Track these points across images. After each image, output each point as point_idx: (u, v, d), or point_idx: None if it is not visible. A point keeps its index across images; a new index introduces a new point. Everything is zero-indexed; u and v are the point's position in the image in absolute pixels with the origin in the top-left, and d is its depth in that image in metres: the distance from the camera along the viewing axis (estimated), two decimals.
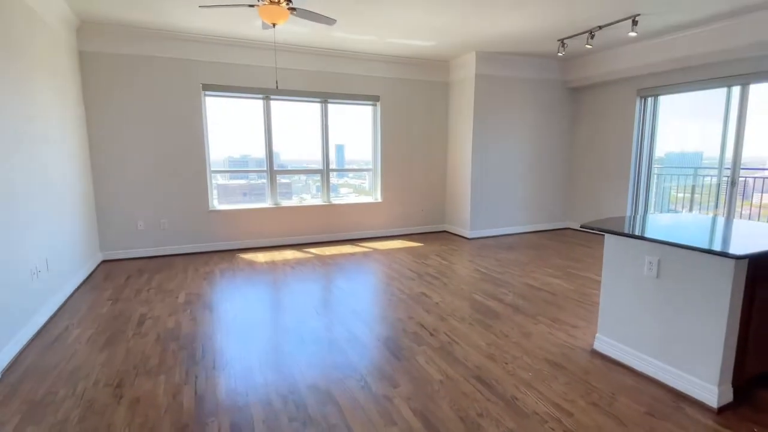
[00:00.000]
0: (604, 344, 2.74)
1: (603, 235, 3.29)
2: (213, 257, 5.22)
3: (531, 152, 6.66)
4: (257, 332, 3.06)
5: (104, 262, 5.00)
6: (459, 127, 6.46)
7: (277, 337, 2.99)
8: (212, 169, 5.54)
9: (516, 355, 2.72)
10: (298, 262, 5.00)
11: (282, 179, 6.00)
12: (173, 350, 2.79)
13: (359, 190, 6.62)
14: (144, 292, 3.93)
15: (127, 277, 4.41)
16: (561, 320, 3.27)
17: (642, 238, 2.37)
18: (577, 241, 6.19)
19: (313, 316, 3.36)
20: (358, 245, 5.91)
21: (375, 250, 5.65)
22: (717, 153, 5.20)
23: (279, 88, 5.59)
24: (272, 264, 4.92)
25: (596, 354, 2.74)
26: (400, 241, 6.22)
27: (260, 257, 5.23)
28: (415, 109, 6.47)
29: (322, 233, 6.11)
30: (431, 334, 3.01)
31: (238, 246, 5.63)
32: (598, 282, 4.21)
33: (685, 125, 5.85)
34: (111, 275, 4.49)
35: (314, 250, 5.60)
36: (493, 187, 6.43)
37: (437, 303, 3.63)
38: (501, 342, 2.90)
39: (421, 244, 5.97)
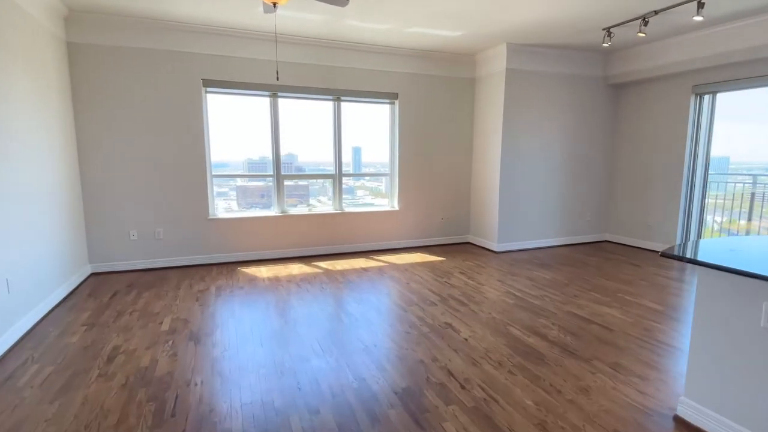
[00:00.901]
0: (691, 411, 2.07)
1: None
2: (211, 271, 4.71)
3: (566, 156, 5.97)
4: (246, 377, 2.49)
5: (93, 275, 4.54)
6: (486, 128, 5.82)
7: (269, 384, 2.41)
8: (213, 173, 5.03)
9: (576, 422, 2.07)
10: (305, 279, 4.43)
11: (289, 184, 5.45)
12: (140, 401, 2.24)
13: (376, 193, 6.03)
14: (126, 316, 3.42)
15: (112, 294, 3.92)
16: (624, 368, 2.61)
17: (758, 276, 1.71)
18: (621, 256, 5.47)
19: (316, 353, 2.78)
20: (371, 258, 5.32)
21: (391, 264, 5.05)
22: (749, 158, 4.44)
23: (288, 84, 5.06)
24: (275, 280, 4.37)
25: (682, 423, 2.08)
26: (418, 254, 5.60)
27: (263, 272, 4.69)
28: (438, 108, 5.86)
29: (332, 244, 5.54)
30: (462, 387, 2.38)
31: (239, 258, 5.11)
32: (661, 314, 3.51)
33: (736, 126, 5.10)
34: (96, 291, 4.01)
35: (323, 264, 5.03)
36: (523, 195, 5.77)
37: (466, 339, 3.00)
38: (553, 401, 2.26)
39: (443, 259, 5.34)
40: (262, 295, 3.92)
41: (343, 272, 4.69)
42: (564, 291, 4.09)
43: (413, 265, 5.01)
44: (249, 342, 2.94)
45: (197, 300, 3.78)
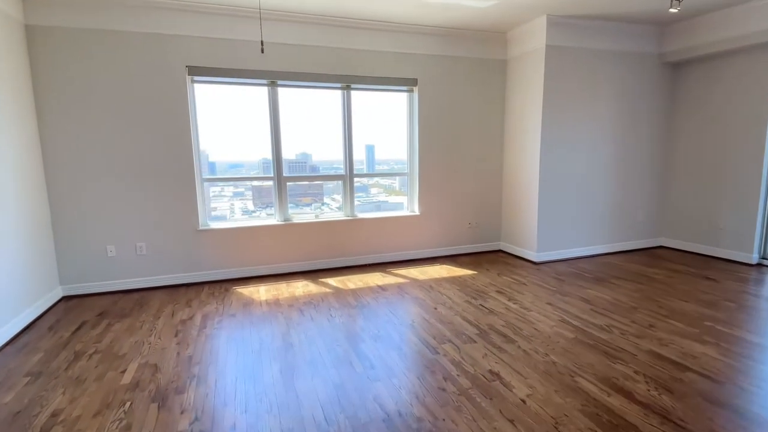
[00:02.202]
0: None
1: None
2: (201, 292, 4.00)
3: (615, 148, 5.08)
4: None
5: (65, 299, 3.87)
6: (521, 118, 4.97)
7: None
8: (204, 177, 4.32)
9: None
10: (310, 301, 3.68)
11: (301, 185, 4.71)
12: None
13: (389, 191, 5.24)
14: (83, 360, 2.72)
15: (78, 327, 3.24)
16: None
17: None
18: (689, 267, 4.57)
19: (318, 426, 2.02)
20: (389, 273, 4.54)
21: (412, 280, 4.27)
22: None
23: (289, 70, 4.30)
24: (274, 305, 3.63)
25: None
26: (443, 266, 4.80)
27: (261, 292, 3.96)
28: (463, 96, 5.03)
29: (343, 256, 4.78)
30: None
31: (235, 275, 4.39)
32: None
33: None
34: (61, 322, 3.33)
35: (333, 281, 4.27)
36: (566, 195, 4.90)
37: (524, 400, 2.20)
38: None
39: (473, 272, 4.53)
40: (256, 326, 3.18)
41: (355, 292, 3.93)
42: (634, 318, 3.24)
43: (439, 282, 4.21)
44: (229, 406, 2.19)
45: (177, 335, 3.06)
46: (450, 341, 2.88)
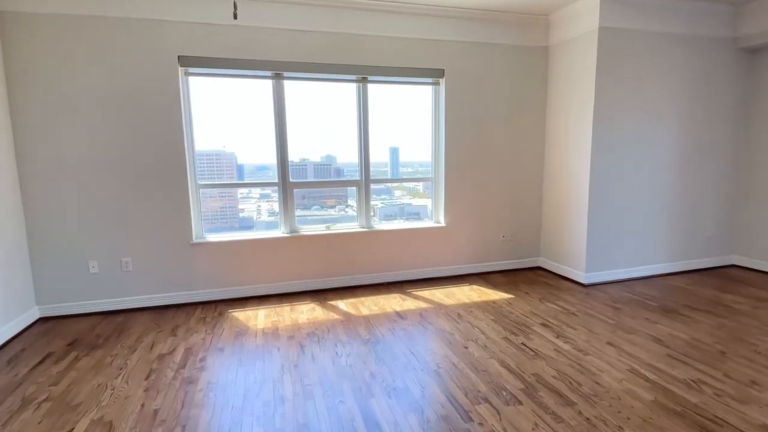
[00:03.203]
0: None
1: None
2: (191, 315, 3.46)
3: (679, 150, 4.28)
4: None
5: (41, 320, 3.42)
6: (567, 114, 4.24)
7: None
8: (200, 182, 3.80)
9: None
10: (314, 332, 3.09)
11: (299, 193, 4.14)
12: None
13: (414, 193, 4.61)
14: (30, 409, 2.20)
15: (41, 360, 2.75)
16: None
17: None
18: None
19: None
20: (409, 294, 3.90)
21: (436, 305, 3.61)
22: None
23: (296, 60, 3.74)
24: (272, 336, 3.05)
25: None
26: (474, 286, 4.12)
27: (259, 317, 3.39)
28: (497, 89, 4.35)
29: (357, 273, 4.17)
30: None
31: (233, 294, 3.84)
32: None
33: None
34: (26, 352, 2.86)
35: (343, 304, 3.66)
36: (621, 205, 4.14)
37: None
38: None
39: (510, 296, 3.83)
40: (244, 367, 2.61)
41: (369, 320, 3.30)
42: (726, 369, 2.48)
43: (469, 308, 3.54)
44: None
45: (149, 377, 2.52)
46: (487, 400, 2.22)
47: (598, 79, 3.86)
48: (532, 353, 2.73)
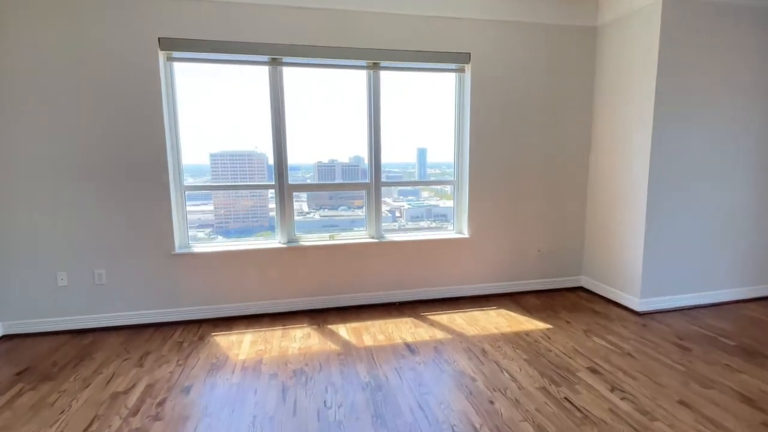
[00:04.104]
0: None
1: None
2: (168, 338, 2.98)
3: (757, 149, 3.48)
4: None
5: (5, 338, 3.02)
6: (620, 106, 3.52)
7: None
8: (185, 183, 3.33)
9: None
10: (305, 367, 2.53)
11: (299, 197, 3.61)
12: None
13: (441, 195, 3.99)
14: None
15: None
16: None
17: None
18: None
19: None
20: (424, 319, 3.29)
21: (456, 335, 2.98)
22: None
23: (296, 43, 3.21)
24: (253, 371, 2.51)
25: None
26: (503, 310, 3.46)
27: (244, 344, 2.87)
28: (533, 76, 3.68)
29: (364, 291, 3.59)
30: None
31: (219, 313, 3.34)
32: None
33: None
34: None
35: (344, 330, 3.09)
36: (687, 216, 3.39)
37: None
38: None
39: (547, 325, 3.15)
40: (206, 420, 2.07)
41: (372, 354, 2.72)
42: None
43: (496, 341, 2.89)
44: None
45: (89, 426, 2.02)
46: None
47: (661, 64, 3.13)
48: (579, 415, 2.07)
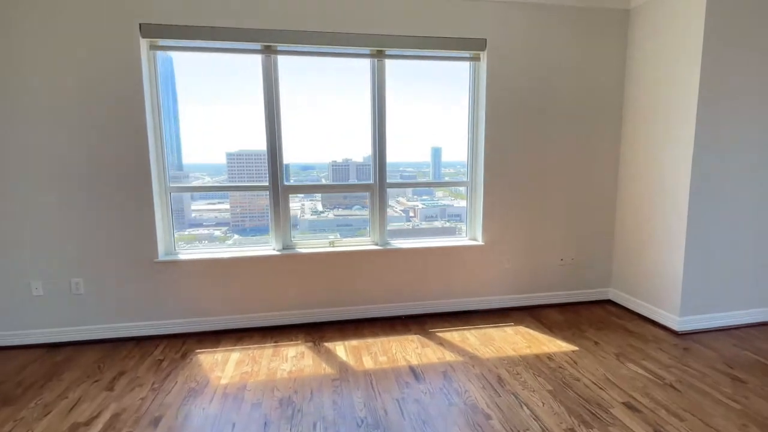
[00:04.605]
0: None
1: None
2: (147, 356, 2.69)
3: None
4: None
5: None
6: (656, 99, 3.11)
7: None
8: (170, 184, 3.04)
9: None
10: (293, 395, 2.21)
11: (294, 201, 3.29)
12: None
13: (456, 195, 3.63)
14: None
15: None
16: None
17: None
18: None
19: None
20: (432, 336, 2.94)
21: (469, 357, 2.62)
22: None
23: (291, 28, 2.89)
24: (235, 399, 2.20)
25: None
26: (521, 327, 3.08)
27: (229, 364, 2.56)
28: (556, 65, 3.28)
29: (364, 304, 3.26)
30: None
31: (206, 326, 3.04)
32: None
33: None
34: None
35: (342, 349, 2.76)
36: (734, 227, 2.96)
37: None
38: None
39: (572, 347, 2.77)
40: None
41: (370, 380, 2.38)
42: None
43: (514, 366, 2.53)
44: None
45: None
46: None
47: (706, 51, 2.71)
48: None
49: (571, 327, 3.08)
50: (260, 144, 3.08)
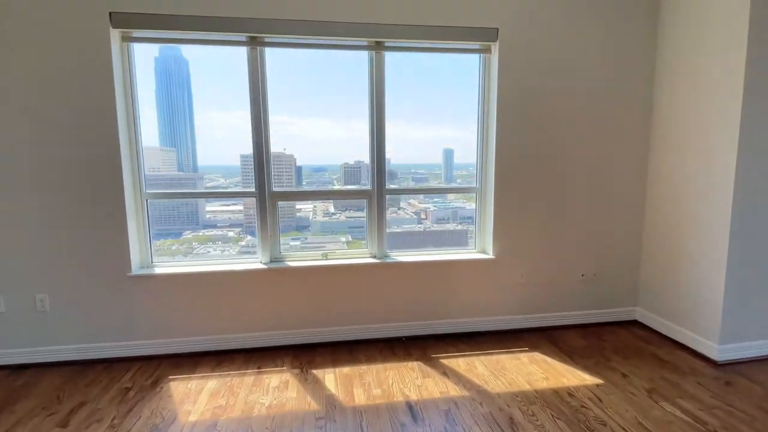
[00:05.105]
0: None
1: None
2: (114, 382, 2.41)
3: None
4: None
5: None
6: (692, 93, 2.72)
7: None
8: (147, 190, 2.76)
9: None
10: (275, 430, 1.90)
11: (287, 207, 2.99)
12: None
13: (468, 198, 3.29)
14: None
15: None
16: None
17: None
18: None
19: None
20: (435, 363, 2.60)
21: (476, 391, 2.28)
22: None
23: (280, 17, 2.60)
24: None
25: None
26: (536, 354, 2.73)
27: (203, 395, 2.26)
28: (576, 58, 2.93)
29: (360, 323, 2.93)
30: None
31: (183, 348, 2.75)
32: None
33: None
34: None
35: (332, 378, 2.44)
36: None
37: None
38: None
39: (597, 380, 2.40)
40: None
41: (361, 419, 2.05)
42: None
43: (529, 402, 2.18)
44: None
45: None
46: None
47: (752, 42, 2.33)
48: None
49: (594, 354, 2.71)
50: (275, 145, 2.82)
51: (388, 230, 3.04)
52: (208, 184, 2.91)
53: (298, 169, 2.97)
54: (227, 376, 2.46)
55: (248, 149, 2.80)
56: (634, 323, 3.19)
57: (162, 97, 2.76)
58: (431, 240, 3.25)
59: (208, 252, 2.96)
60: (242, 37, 2.66)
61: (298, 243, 3.01)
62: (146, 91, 2.69)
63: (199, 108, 2.80)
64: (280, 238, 2.91)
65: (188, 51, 2.75)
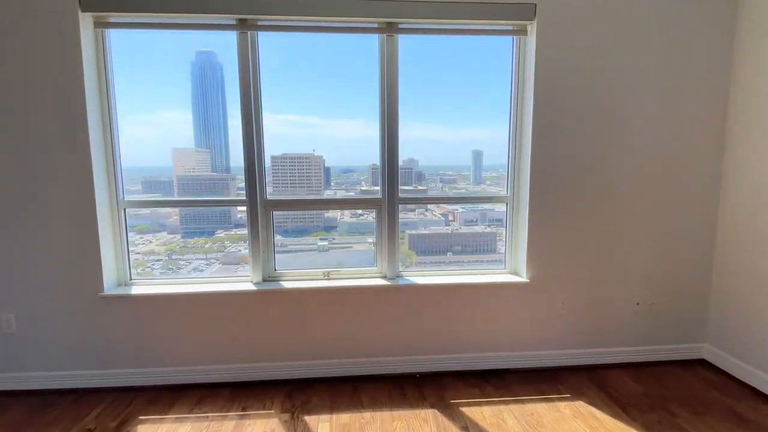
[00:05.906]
0: None
1: None
2: (78, 421, 2.07)
3: None
4: None
5: None
6: None
7: None
8: (126, 198, 2.43)
9: None
10: None
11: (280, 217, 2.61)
12: None
13: (497, 200, 2.83)
14: None
15: None
16: None
17: None
18: None
19: None
20: (453, 412, 2.13)
21: None
22: None
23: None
24: None
25: None
26: (581, 402, 2.21)
27: None
28: (632, 44, 2.38)
29: (369, 356, 2.50)
30: None
31: (160, 380, 2.39)
32: None
33: None
34: None
35: (326, 427, 2.02)
36: None
37: None
38: None
39: None
40: None
41: None
42: None
43: None
44: None
45: None
46: None
47: None
48: None
49: (655, 406, 2.18)
50: (305, 147, 2.52)
51: (413, 232, 2.68)
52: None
53: (327, 170, 2.68)
54: (205, 420, 2.08)
55: (278, 150, 2.47)
56: (701, 363, 2.61)
57: (198, 100, 2.51)
58: (458, 243, 2.85)
59: (240, 251, 2.63)
60: (231, 20, 2.28)
61: (326, 243, 2.69)
62: (180, 89, 2.38)
63: (232, 111, 2.47)
64: (310, 238, 2.60)
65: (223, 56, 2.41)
